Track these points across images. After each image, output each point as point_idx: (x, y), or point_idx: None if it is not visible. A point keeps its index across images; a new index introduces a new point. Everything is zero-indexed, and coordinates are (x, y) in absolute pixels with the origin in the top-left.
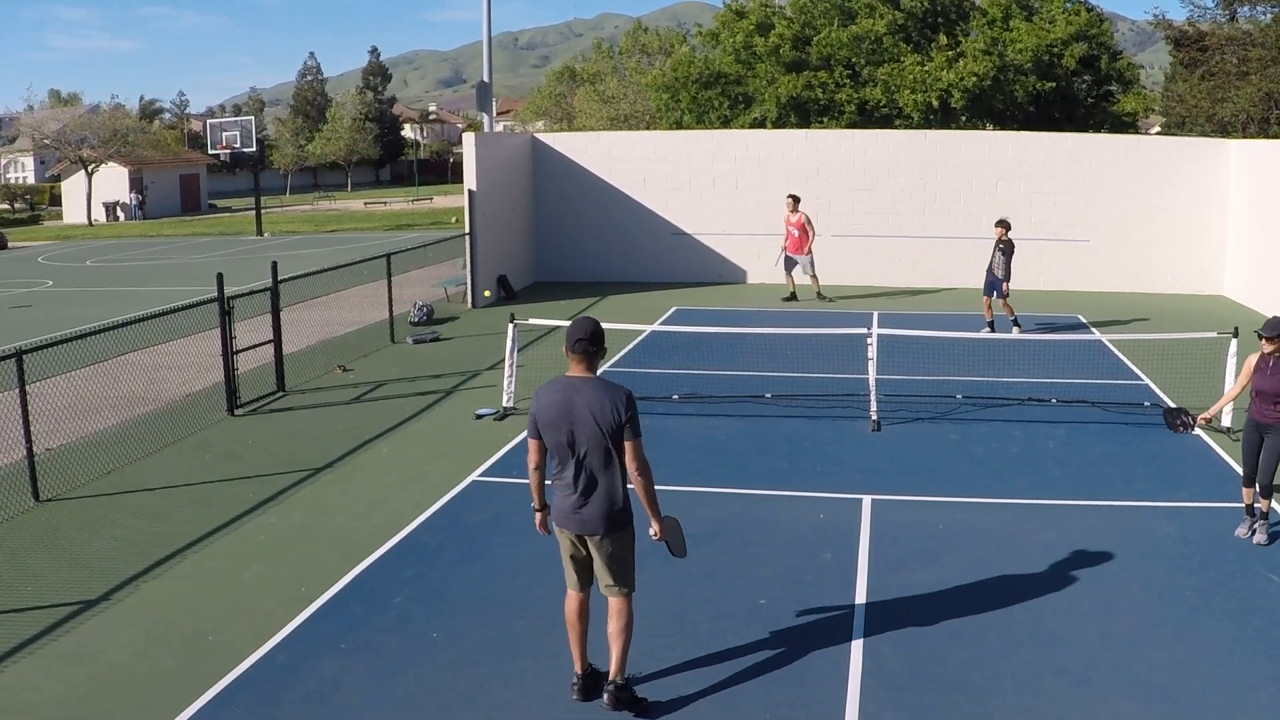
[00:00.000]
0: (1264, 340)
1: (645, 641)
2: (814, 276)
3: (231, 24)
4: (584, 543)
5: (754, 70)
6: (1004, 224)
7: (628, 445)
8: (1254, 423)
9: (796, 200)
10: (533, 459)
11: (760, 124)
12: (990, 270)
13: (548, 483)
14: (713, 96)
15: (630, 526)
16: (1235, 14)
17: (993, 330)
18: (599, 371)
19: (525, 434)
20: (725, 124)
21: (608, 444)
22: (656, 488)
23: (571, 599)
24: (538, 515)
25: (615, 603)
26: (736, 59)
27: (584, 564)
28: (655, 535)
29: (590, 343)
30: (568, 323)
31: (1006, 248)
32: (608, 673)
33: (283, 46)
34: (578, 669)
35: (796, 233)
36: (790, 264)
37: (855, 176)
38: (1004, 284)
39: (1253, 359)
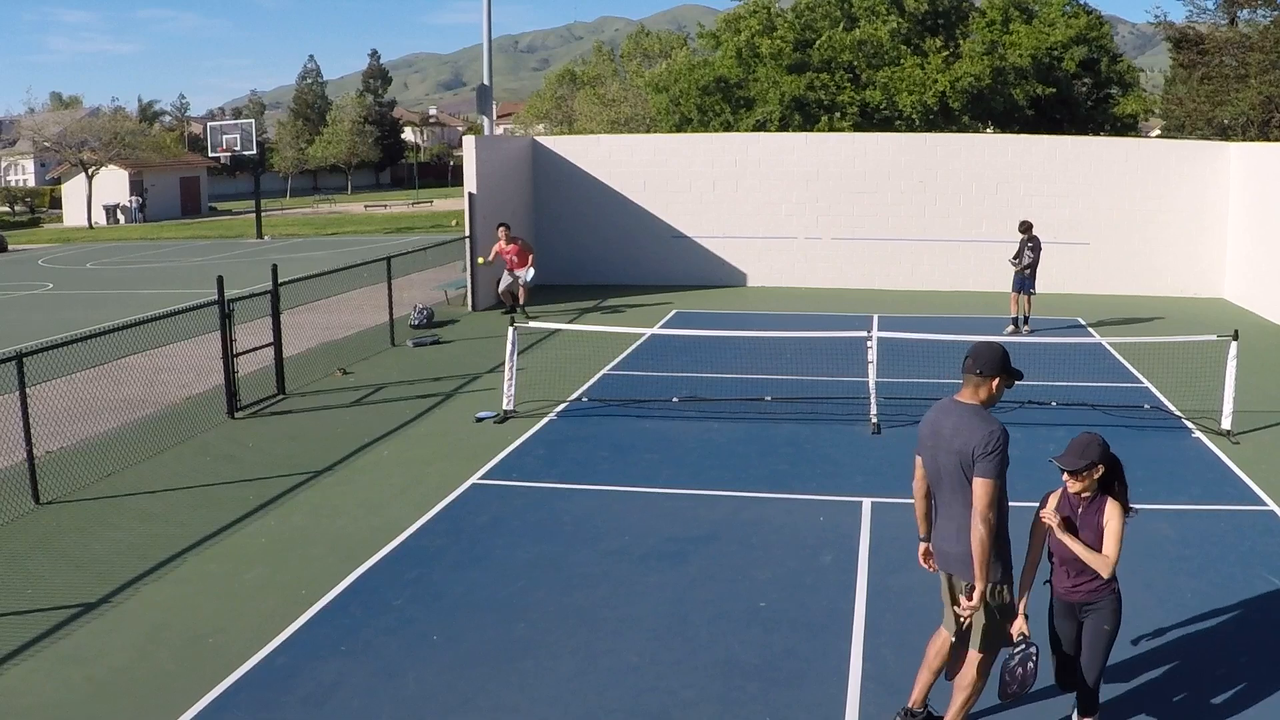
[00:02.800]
0: (1068, 476)
1: (645, 644)
2: (526, 288)
3: (232, 27)
4: (951, 580)
5: (755, 73)
6: (1028, 225)
7: (975, 482)
8: (1064, 605)
9: (508, 228)
10: (916, 481)
11: (762, 126)
12: (1020, 270)
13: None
14: (714, 103)
15: (996, 581)
16: (1235, 17)
17: (1025, 325)
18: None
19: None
20: (728, 128)
21: (964, 477)
22: (659, 491)
23: (939, 634)
24: (920, 546)
25: (968, 653)
26: (738, 59)
27: (951, 600)
28: (965, 610)
29: (974, 363)
30: (568, 326)
31: (1035, 245)
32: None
33: (282, 49)
34: (910, 701)
35: (515, 258)
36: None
37: (855, 179)
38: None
39: (1050, 501)
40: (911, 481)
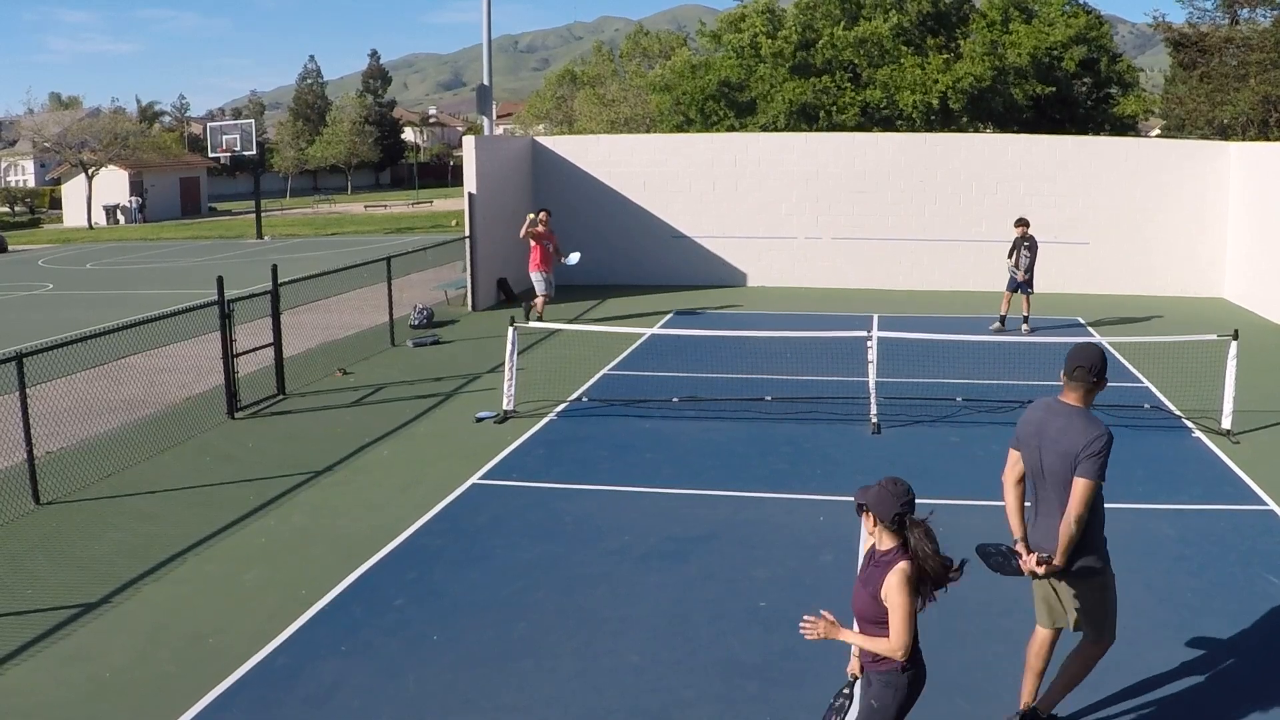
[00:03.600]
0: (864, 515)
1: (645, 644)
2: (549, 296)
3: (232, 27)
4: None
5: (756, 74)
6: (1024, 221)
7: (1077, 482)
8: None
9: (550, 214)
10: (1008, 472)
11: (768, 130)
12: (1015, 268)
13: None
14: (718, 108)
15: (1099, 575)
16: (1236, 16)
17: (1024, 325)
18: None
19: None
20: (733, 131)
21: (1069, 477)
22: (658, 490)
23: (1037, 634)
24: (1019, 546)
25: (1085, 645)
26: (739, 58)
27: (1050, 599)
28: (1032, 567)
29: (1089, 372)
30: (568, 326)
31: (1032, 245)
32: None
33: (282, 49)
34: (1021, 704)
35: (551, 247)
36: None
37: (855, 179)
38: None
39: (861, 548)
40: (1003, 474)
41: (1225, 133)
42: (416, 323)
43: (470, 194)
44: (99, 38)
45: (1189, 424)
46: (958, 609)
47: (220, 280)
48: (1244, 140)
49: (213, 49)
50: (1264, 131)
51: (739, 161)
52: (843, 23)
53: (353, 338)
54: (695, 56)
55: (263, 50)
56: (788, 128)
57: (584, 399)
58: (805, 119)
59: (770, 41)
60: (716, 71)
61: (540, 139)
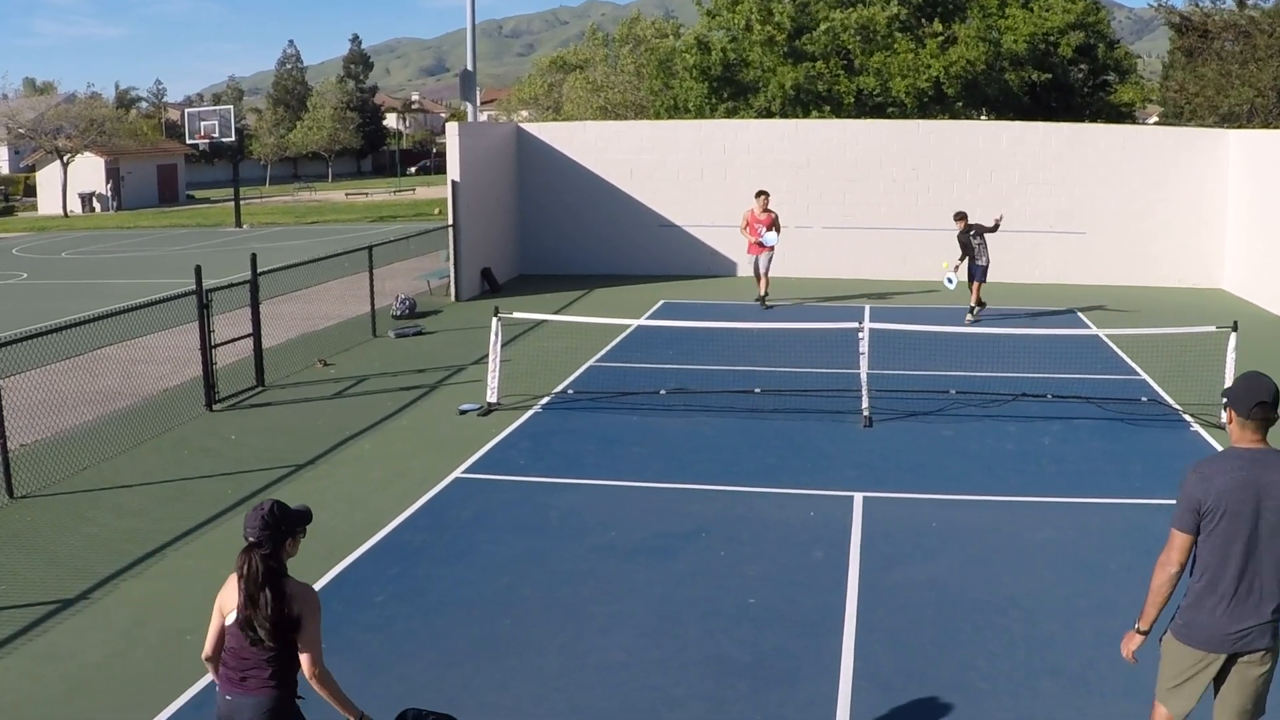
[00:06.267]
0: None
1: (634, 641)
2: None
3: (221, 10)
4: (1228, 663)
5: (749, 58)
6: (963, 215)
7: None
8: None
9: (767, 195)
10: (1175, 553)
11: (764, 116)
12: (974, 259)
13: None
14: (721, 86)
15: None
16: (1244, 2)
17: (974, 313)
18: None
19: (1173, 525)
20: (730, 115)
21: None
22: (646, 485)
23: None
24: (1137, 639)
25: None
26: (732, 40)
27: (1205, 687)
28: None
29: (1274, 409)
30: (554, 316)
31: (978, 232)
32: None
33: (262, 34)
34: None
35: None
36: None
37: (846, 167)
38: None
39: None
40: (1162, 560)
41: (1230, 120)
42: (399, 313)
43: (454, 181)
44: (87, 21)
45: (1187, 417)
46: (953, 609)
47: (198, 269)
48: (1252, 128)
49: (190, 34)
50: (1268, 120)
51: (728, 149)
52: (844, 9)
53: (334, 328)
54: (686, 37)
55: (242, 34)
56: (784, 113)
57: (570, 391)
58: (801, 104)
59: (762, 27)
60: (714, 59)
61: (525, 125)
